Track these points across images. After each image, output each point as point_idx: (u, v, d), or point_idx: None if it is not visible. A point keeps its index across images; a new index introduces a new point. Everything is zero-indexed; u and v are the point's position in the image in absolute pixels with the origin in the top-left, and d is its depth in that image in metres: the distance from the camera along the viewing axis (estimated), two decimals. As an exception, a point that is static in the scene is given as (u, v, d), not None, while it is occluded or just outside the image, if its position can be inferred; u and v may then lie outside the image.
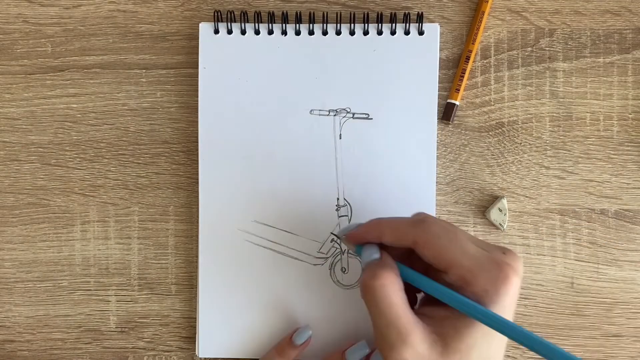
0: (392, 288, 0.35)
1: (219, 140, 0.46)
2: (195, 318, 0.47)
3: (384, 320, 0.35)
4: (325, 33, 0.46)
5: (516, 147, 0.47)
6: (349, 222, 0.46)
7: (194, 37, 0.47)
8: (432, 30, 0.46)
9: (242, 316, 0.46)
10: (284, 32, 0.46)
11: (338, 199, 0.46)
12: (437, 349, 0.34)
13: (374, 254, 0.37)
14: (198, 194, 0.46)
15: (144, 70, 0.47)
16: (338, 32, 0.46)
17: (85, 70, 0.47)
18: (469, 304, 0.34)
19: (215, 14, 0.46)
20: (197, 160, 0.46)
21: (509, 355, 0.47)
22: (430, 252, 0.35)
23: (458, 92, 0.46)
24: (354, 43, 0.46)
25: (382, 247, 0.38)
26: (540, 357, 0.31)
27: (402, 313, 0.35)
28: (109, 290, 0.47)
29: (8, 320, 0.48)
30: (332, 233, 0.45)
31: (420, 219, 0.37)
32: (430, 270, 0.37)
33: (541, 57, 0.47)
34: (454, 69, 0.47)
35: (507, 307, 0.34)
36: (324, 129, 0.46)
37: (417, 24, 0.46)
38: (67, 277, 0.47)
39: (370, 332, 0.46)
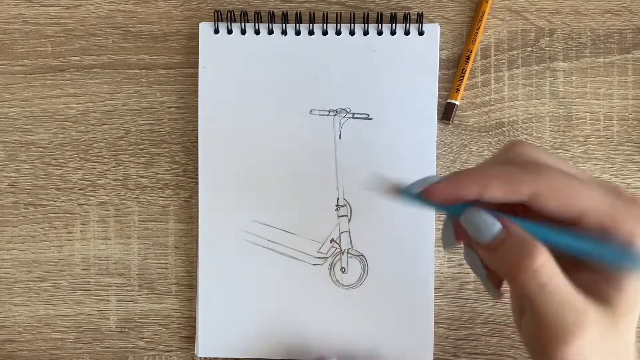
0: (552, 266, 0.28)
1: (218, 140, 0.46)
2: (195, 318, 0.47)
3: (554, 306, 0.28)
4: (325, 33, 0.46)
5: (516, 147, 0.47)
6: (349, 222, 0.46)
7: (194, 37, 0.47)
8: (432, 30, 0.46)
9: (241, 316, 0.46)
10: (284, 32, 0.46)
11: (338, 199, 0.46)
12: (608, 319, 0.29)
13: (493, 224, 0.29)
14: (198, 193, 0.46)
15: (144, 70, 0.47)
16: (338, 32, 0.46)
17: (85, 70, 0.47)
18: (626, 254, 0.28)
19: (215, 13, 0.46)
20: (197, 160, 0.46)
21: (509, 355, 0.47)
22: (556, 202, 0.29)
23: (458, 92, 0.46)
24: (354, 43, 0.46)
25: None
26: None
27: (567, 300, 0.28)
28: (108, 290, 0.47)
29: (8, 320, 0.48)
30: (388, 186, 0.33)
31: (535, 165, 0.30)
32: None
33: (541, 57, 0.47)
34: (454, 69, 0.47)
35: None
36: (324, 129, 0.46)
37: (417, 24, 0.46)
38: (67, 277, 0.47)
39: (372, 333, 0.46)
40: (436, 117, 0.46)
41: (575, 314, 0.28)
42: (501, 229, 0.29)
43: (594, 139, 0.47)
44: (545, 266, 0.28)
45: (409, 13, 0.45)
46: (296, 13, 0.46)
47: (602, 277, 0.29)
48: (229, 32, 0.46)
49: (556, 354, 0.28)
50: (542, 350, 0.29)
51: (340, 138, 0.46)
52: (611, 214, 0.28)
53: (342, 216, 0.46)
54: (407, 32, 0.46)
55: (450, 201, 0.30)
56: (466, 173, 0.30)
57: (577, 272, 0.30)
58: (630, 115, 0.47)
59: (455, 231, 0.32)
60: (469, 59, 0.46)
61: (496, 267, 0.30)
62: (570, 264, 0.29)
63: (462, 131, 0.47)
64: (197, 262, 0.46)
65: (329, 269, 0.46)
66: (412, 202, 0.31)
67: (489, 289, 0.33)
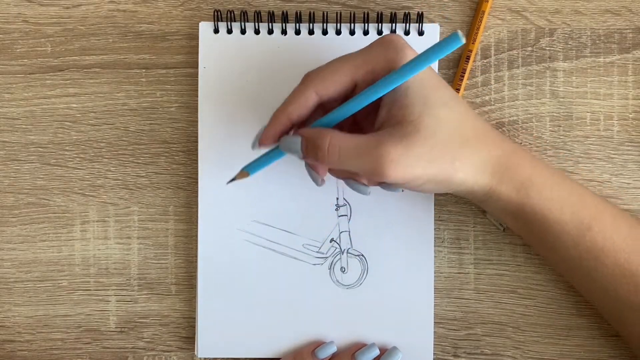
0: (338, 138, 0.36)
1: (218, 140, 0.46)
2: (195, 318, 0.47)
3: (356, 158, 0.36)
4: (325, 33, 0.46)
5: (516, 147, 0.47)
6: (349, 222, 0.46)
7: (194, 37, 0.47)
8: (432, 30, 0.46)
9: (241, 316, 0.46)
10: (284, 32, 0.46)
11: (337, 198, 0.46)
12: (406, 129, 0.36)
13: (295, 139, 0.38)
14: (198, 193, 0.46)
15: (143, 70, 0.47)
16: (338, 32, 0.46)
17: (85, 70, 0.47)
18: (392, 75, 0.35)
19: (215, 13, 0.46)
20: (197, 160, 0.46)
21: (509, 355, 0.47)
22: (328, 89, 0.38)
23: (458, 92, 0.46)
24: (354, 43, 0.46)
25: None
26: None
27: (361, 140, 0.36)
28: (108, 290, 0.47)
29: (8, 321, 0.48)
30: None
31: (306, 78, 0.39)
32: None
33: (541, 56, 0.47)
34: (454, 68, 0.47)
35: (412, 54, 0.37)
36: (324, 128, 0.46)
37: (417, 24, 0.46)
38: (67, 277, 0.47)
39: (372, 333, 0.46)
40: (436, 117, 0.46)
41: (374, 146, 0.35)
42: (299, 138, 0.37)
43: (594, 138, 0.47)
44: (332, 143, 0.36)
45: (409, 13, 0.45)
46: (296, 13, 0.46)
47: (387, 108, 0.37)
48: (229, 31, 0.46)
49: (391, 181, 0.35)
50: (386, 184, 0.37)
51: (340, 138, 0.46)
52: (366, 60, 0.37)
53: (342, 216, 0.46)
54: (407, 32, 0.46)
55: (276, 139, 0.39)
56: (274, 113, 0.39)
57: (373, 126, 0.38)
58: (631, 115, 0.47)
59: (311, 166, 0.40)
60: (469, 59, 0.46)
61: (315, 166, 0.40)
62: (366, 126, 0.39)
63: (462, 131, 0.47)
64: (196, 262, 0.46)
65: (329, 268, 0.46)
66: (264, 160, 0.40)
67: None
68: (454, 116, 0.37)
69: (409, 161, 0.35)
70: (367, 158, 0.35)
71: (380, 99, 0.37)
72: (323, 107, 0.39)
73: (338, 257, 0.46)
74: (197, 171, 0.46)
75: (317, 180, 0.40)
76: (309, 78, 0.38)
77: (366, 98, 0.36)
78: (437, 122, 0.36)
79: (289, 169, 0.46)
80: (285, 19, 0.46)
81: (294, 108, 0.38)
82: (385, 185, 0.39)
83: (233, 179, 0.41)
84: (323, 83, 0.38)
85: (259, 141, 0.39)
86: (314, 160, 0.37)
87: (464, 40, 0.32)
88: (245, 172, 0.41)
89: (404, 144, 0.35)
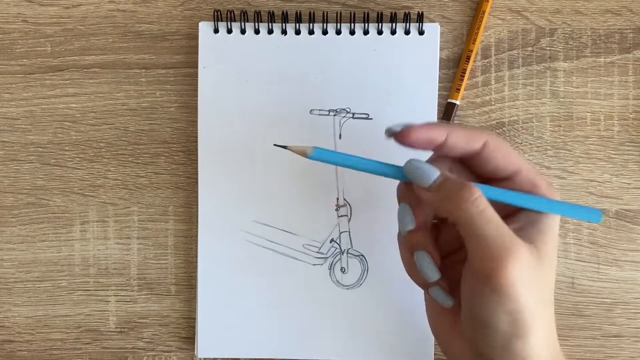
0: (485, 202, 0.33)
1: (218, 140, 0.46)
2: (195, 318, 0.47)
3: (492, 229, 0.33)
4: (325, 32, 0.46)
5: (517, 147, 0.47)
6: (349, 222, 0.46)
7: (193, 37, 0.47)
8: (433, 29, 0.46)
9: (241, 316, 0.46)
10: (284, 32, 0.46)
11: (338, 199, 0.46)
12: (534, 254, 0.34)
13: (433, 169, 0.35)
14: (198, 193, 0.46)
15: (143, 70, 0.47)
16: (338, 32, 0.46)
17: (85, 70, 0.47)
18: (553, 202, 0.35)
19: (215, 13, 0.45)
20: (197, 160, 0.46)
21: (509, 356, 0.47)
22: (501, 155, 0.35)
23: (458, 92, 0.46)
24: (354, 43, 0.46)
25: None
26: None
27: (502, 226, 0.33)
28: (108, 290, 0.47)
29: (7, 321, 0.48)
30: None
31: (486, 129, 0.37)
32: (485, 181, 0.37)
33: (542, 56, 0.47)
34: (454, 68, 0.47)
35: None
36: (324, 129, 0.46)
37: (418, 24, 0.45)
38: (67, 277, 0.47)
39: (372, 333, 0.46)
40: (436, 117, 0.46)
41: (510, 238, 0.33)
42: (440, 174, 0.35)
43: (594, 138, 0.47)
44: (481, 198, 0.33)
45: (409, 13, 0.45)
46: (296, 12, 0.45)
47: (528, 223, 0.35)
48: (229, 31, 0.46)
49: (498, 272, 0.32)
50: (487, 272, 0.32)
51: (340, 138, 0.46)
52: (538, 174, 0.36)
53: (342, 216, 0.46)
54: (407, 32, 0.46)
55: (421, 143, 0.35)
56: (436, 122, 0.37)
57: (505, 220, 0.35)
58: (631, 115, 0.47)
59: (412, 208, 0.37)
60: (469, 59, 0.46)
61: (439, 204, 0.35)
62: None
63: (463, 131, 0.47)
64: (196, 262, 0.46)
65: (329, 269, 0.46)
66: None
67: (438, 295, 0.37)
68: (553, 271, 0.36)
69: (529, 277, 0.33)
70: (504, 238, 0.33)
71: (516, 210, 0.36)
72: (454, 168, 0.37)
73: (338, 257, 0.46)
74: (197, 171, 0.46)
75: (408, 225, 0.37)
76: (489, 133, 0.36)
77: (522, 200, 0.35)
78: (550, 267, 0.35)
79: (289, 169, 0.46)
80: (285, 18, 0.46)
81: (458, 137, 0.35)
82: (442, 293, 0.37)
83: (285, 146, 0.37)
84: (497, 147, 0.35)
85: (405, 130, 0.35)
86: (442, 200, 0.34)
87: (601, 220, 0.36)
88: (309, 151, 0.36)
89: (535, 261, 0.33)
